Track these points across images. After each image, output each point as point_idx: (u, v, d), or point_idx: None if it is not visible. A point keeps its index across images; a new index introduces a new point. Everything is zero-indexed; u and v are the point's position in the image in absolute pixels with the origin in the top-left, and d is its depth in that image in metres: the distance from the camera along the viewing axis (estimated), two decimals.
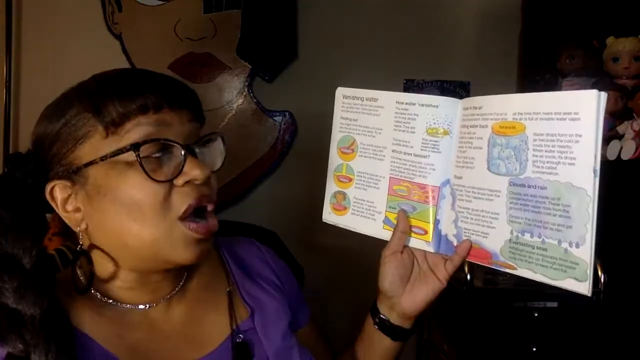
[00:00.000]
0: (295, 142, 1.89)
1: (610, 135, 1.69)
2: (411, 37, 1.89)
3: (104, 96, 0.59)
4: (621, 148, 1.65)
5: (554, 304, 1.44)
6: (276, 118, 1.88)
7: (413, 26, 1.90)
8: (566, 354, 1.47)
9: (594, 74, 1.78)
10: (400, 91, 1.96)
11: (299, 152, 1.89)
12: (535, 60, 1.84)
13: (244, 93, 1.87)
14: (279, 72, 1.87)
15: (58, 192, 0.62)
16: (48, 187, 0.61)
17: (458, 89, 1.90)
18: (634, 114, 1.68)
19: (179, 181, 0.60)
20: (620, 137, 1.68)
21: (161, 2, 1.83)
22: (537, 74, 1.84)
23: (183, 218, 0.61)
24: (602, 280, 1.43)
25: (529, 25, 1.85)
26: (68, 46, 1.83)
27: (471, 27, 1.90)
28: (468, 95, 1.91)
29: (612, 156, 1.67)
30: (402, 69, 1.89)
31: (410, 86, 1.89)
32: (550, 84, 1.83)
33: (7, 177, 0.61)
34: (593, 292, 1.48)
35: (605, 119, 1.72)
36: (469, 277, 1.42)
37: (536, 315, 1.44)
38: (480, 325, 1.45)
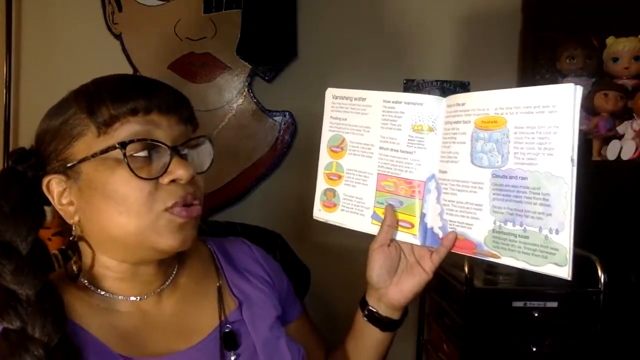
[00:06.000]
0: (295, 142, 1.89)
1: (610, 135, 1.70)
2: (411, 37, 1.89)
3: (98, 98, 0.63)
4: (621, 148, 1.66)
5: (554, 304, 1.44)
6: (276, 118, 1.88)
7: (413, 26, 1.90)
8: (566, 354, 1.47)
9: (594, 74, 1.78)
10: (401, 91, 1.97)
11: (299, 152, 1.89)
12: (535, 60, 1.84)
13: (244, 93, 1.87)
14: (279, 72, 1.87)
15: (54, 185, 0.65)
16: (45, 181, 0.65)
17: (458, 89, 1.90)
18: (634, 114, 1.68)
19: (164, 180, 0.63)
20: (620, 137, 1.68)
21: (161, 2, 1.83)
22: (537, 74, 1.84)
23: (169, 210, 0.64)
24: (602, 280, 1.43)
25: (529, 25, 1.85)
26: (68, 46, 1.83)
27: (471, 27, 1.90)
28: None
29: (612, 156, 1.67)
30: (402, 69, 1.89)
31: (410, 86, 1.89)
32: (550, 83, 1.83)
33: (9, 170, 0.66)
34: (593, 292, 1.49)
35: (605, 118, 1.73)
36: (469, 277, 1.42)
37: (536, 315, 1.44)
38: (480, 325, 1.45)
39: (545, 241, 0.59)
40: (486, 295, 1.48)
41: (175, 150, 0.64)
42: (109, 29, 1.84)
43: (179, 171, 0.63)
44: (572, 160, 0.57)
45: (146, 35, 1.83)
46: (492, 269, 1.57)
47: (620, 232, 1.61)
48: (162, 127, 0.64)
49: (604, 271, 1.44)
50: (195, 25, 1.83)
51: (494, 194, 0.63)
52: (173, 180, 0.64)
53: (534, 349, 1.45)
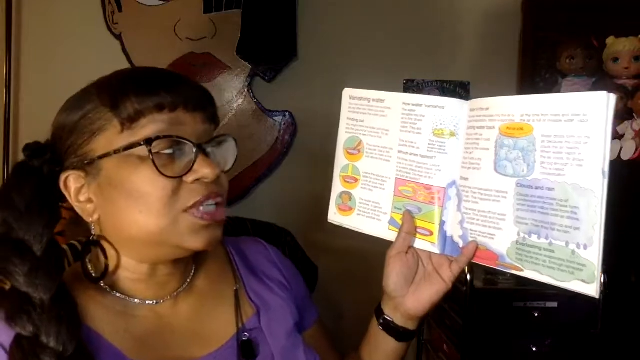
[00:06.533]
0: (295, 142, 1.90)
1: None
2: (411, 37, 1.90)
3: (122, 92, 0.60)
4: (621, 148, 1.65)
5: (554, 304, 1.44)
6: (276, 118, 1.88)
7: (413, 26, 1.90)
8: (566, 354, 1.47)
9: (594, 74, 1.78)
10: (400, 91, 1.98)
11: (299, 152, 1.90)
12: (535, 60, 1.84)
13: (244, 93, 1.87)
14: (279, 72, 1.87)
15: (72, 182, 0.63)
16: (62, 177, 0.63)
17: (458, 89, 1.90)
18: (634, 114, 1.68)
19: (189, 178, 0.61)
20: (620, 137, 1.68)
21: (161, 2, 1.83)
22: (537, 74, 1.84)
23: (188, 210, 0.61)
24: (602, 280, 1.43)
25: (529, 25, 1.85)
26: (68, 46, 1.83)
27: (471, 27, 1.90)
28: (468, 95, 1.91)
29: (612, 156, 1.67)
30: (402, 69, 1.89)
31: (410, 86, 1.89)
32: (550, 84, 1.83)
33: (25, 165, 0.63)
34: None
35: None
36: (469, 277, 1.42)
37: (536, 315, 1.44)
38: (480, 325, 1.45)
39: (572, 256, 0.56)
40: (486, 295, 1.48)
41: (200, 148, 0.62)
42: (109, 29, 1.84)
43: (205, 170, 0.61)
44: (603, 172, 0.54)
45: (146, 35, 1.83)
46: (492, 270, 1.57)
47: (620, 232, 1.61)
48: (188, 125, 0.62)
49: (603, 271, 1.43)
50: (195, 25, 1.83)
51: (518, 204, 0.61)
52: (197, 179, 0.61)
53: (534, 349, 1.45)
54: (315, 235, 1.68)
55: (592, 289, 0.55)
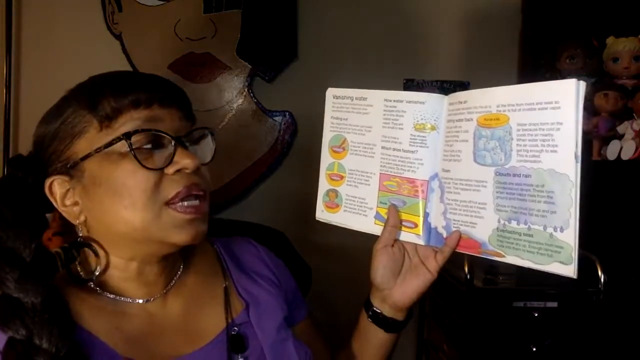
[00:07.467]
0: (295, 142, 1.90)
1: (610, 135, 1.69)
2: (411, 37, 1.90)
3: (99, 93, 0.63)
4: (621, 148, 1.65)
5: (554, 304, 1.44)
6: (276, 118, 1.88)
7: (413, 26, 1.90)
8: (566, 354, 1.47)
9: (594, 74, 1.78)
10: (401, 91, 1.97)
11: (299, 152, 1.90)
12: (535, 60, 1.84)
13: (244, 93, 1.87)
14: (279, 72, 1.87)
15: (57, 187, 0.65)
16: (47, 183, 0.64)
17: (458, 89, 1.90)
18: (634, 114, 1.68)
19: (170, 170, 0.63)
20: (620, 137, 1.68)
21: (161, 2, 1.83)
22: (537, 74, 1.84)
23: (170, 203, 0.63)
24: (602, 280, 1.43)
25: (529, 25, 1.85)
26: (68, 46, 1.83)
27: (471, 27, 1.90)
28: None
29: (612, 156, 1.67)
30: (402, 69, 1.89)
31: (410, 86, 1.89)
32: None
33: (10, 177, 0.65)
34: (593, 292, 1.49)
35: (605, 118, 1.72)
36: (469, 277, 1.42)
37: (536, 315, 1.43)
38: (480, 325, 1.45)
39: (550, 239, 0.58)
40: (486, 295, 1.48)
41: (179, 141, 0.64)
42: (109, 29, 1.84)
43: (185, 160, 0.63)
44: (576, 156, 0.56)
45: (146, 35, 1.83)
46: (492, 269, 1.57)
47: (620, 232, 1.61)
48: (165, 121, 0.64)
49: (603, 271, 1.43)
50: (195, 25, 1.83)
51: (497, 192, 0.63)
52: (178, 170, 0.63)
53: (534, 349, 1.45)
54: (316, 234, 1.68)
55: (570, 270, 0.57)
